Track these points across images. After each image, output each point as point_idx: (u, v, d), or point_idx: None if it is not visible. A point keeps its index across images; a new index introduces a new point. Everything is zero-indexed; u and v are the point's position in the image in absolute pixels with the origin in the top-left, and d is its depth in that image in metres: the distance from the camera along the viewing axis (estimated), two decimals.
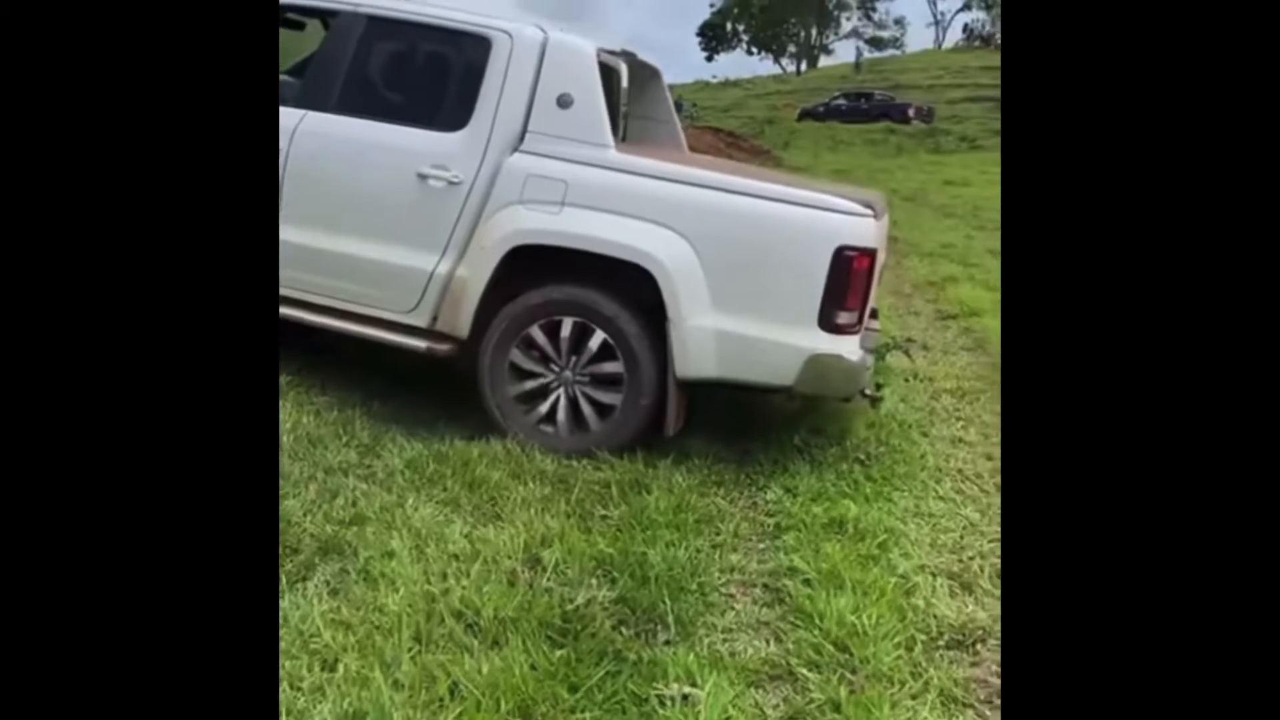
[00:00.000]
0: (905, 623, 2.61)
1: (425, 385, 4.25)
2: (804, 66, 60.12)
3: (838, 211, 3.51)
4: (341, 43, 4.00)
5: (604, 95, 3.81)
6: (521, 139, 3.73)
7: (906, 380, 5.12)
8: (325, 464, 3.26)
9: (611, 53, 4.19)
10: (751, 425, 4.12)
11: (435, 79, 4.02)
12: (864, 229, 3.49)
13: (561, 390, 3.74)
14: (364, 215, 3.84)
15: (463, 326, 3.75)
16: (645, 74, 4.70)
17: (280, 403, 3.64)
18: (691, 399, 3.77)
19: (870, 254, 3.50)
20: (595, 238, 3.57)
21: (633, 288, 3.59)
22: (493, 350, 3.74)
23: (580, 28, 4.08)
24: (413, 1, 4.05)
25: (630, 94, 4.52)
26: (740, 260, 3.52)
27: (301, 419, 3.57)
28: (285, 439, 3.35)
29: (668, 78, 5.03)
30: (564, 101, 3.72)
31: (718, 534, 3.12)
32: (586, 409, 3.71)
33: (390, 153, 3.81)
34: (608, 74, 4.01)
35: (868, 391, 3.95)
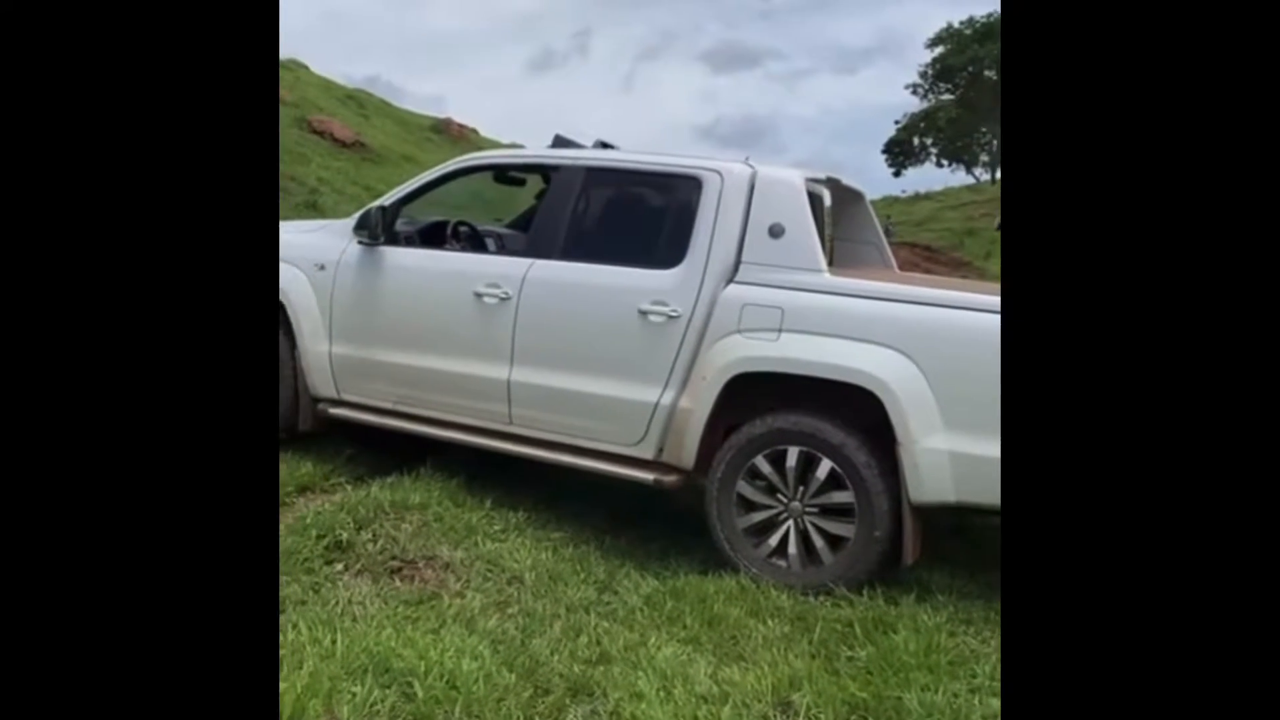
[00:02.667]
0: None
1: (651, 518, 4.29)
2: (998, 174, 58.95)
3: None
4: (563, 194, 4.26)
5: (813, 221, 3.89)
6: (736, 270, 3.84)
7: None
8: (567, 601, 3.32)
9: (815, 179, 4.28)
10: (994, 557, 3.91)
11: (650, 220, 4.23)
12: None
13: (791, 522, 3.68)
14: (590, 353, 4.01)
15: (687, 458, 3.81)
16: (849, 197, 4.78)
17: (519, 540, 3.76)
18: (926, 526, 3.62)
19: None
20: (814, 362, 3.60)
21: (856, 412, 3.57)
22: (719, 482, 3.76)
23: (757, 153, 4.24)
24: (618, 152, 4.39)
25: (835, 217, 4.63)
26: (970, 376, 3.40)
27: (540, 556, 3.66)
28: (527, 577, 3.44)
29: None
30: (775, 231, 3.83)
31: (974, 676, 2.93)
32: (818, 541, 3.63)
33: (612, 292, 3.98)
34: (813, 201, 4.08)
35: None
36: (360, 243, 4.41)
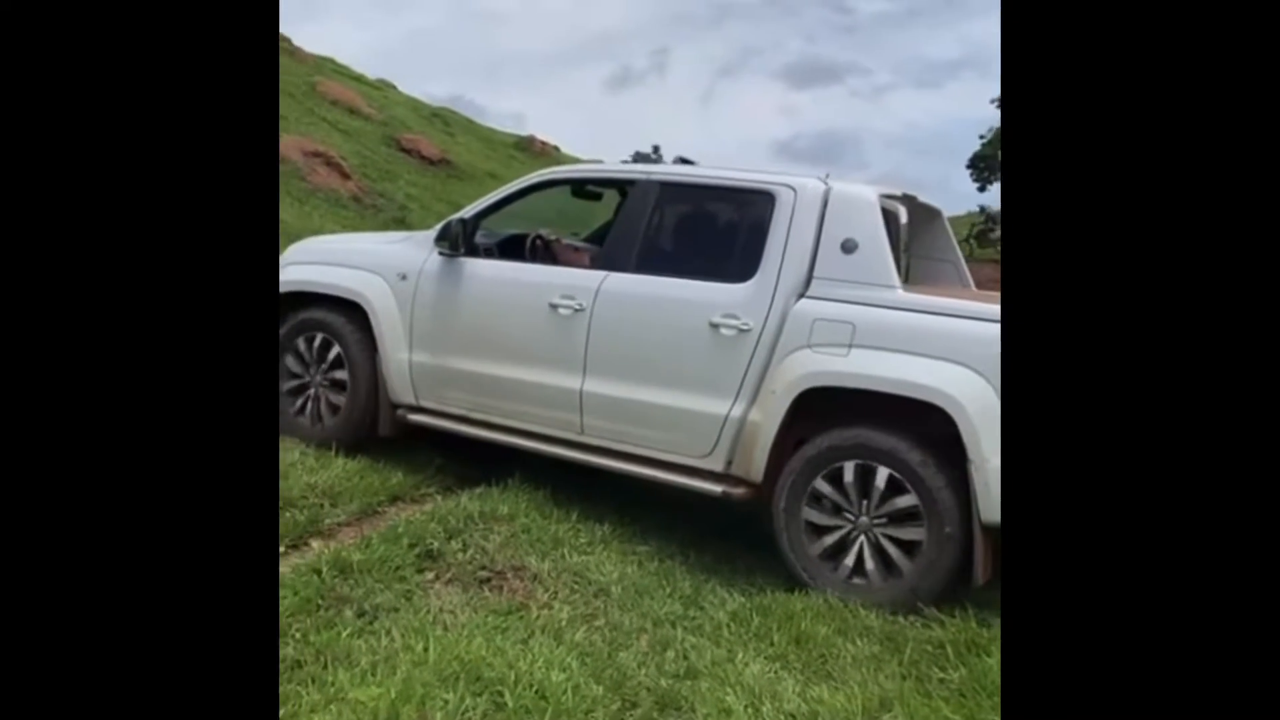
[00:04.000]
0: None
1: (737, 532, 4.27)
2: None
3: None
4: (638, 208, 4.30)
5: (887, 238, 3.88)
6: (807, 285, 3.85)
7: None
8: (653, 615, 3.32)
9: (891, 196, 4.25)
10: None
11: (723, 234, 4.27)
12: None
13: (863, 537, 3.66)
14: (661, 365, 4.04)
15: (756, 471, 3.81)
16: (926, 215, 4.75)
17: (605, 552, 3.77)
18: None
19: None
20: (885, 378, 3.59)
21: (924, 427, 3.56)
22: (785, 511, 3.77)
23: (838, 169, 4.30)
24: (693, 168, 4.44)
25: (913, 234, 4.55)
26: None
27: (626, 570, 3.67)
28: (614, 589, 3.46)
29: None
30: (848, 247, 3.83)
31: None
32: (893, 551, 3.61)
33: (684, 305, 4.01)
34: (888, 218, 4.06)
35: None
36: (441, 254, 4.49)
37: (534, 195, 4.66)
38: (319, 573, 3.15)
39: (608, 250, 4.38)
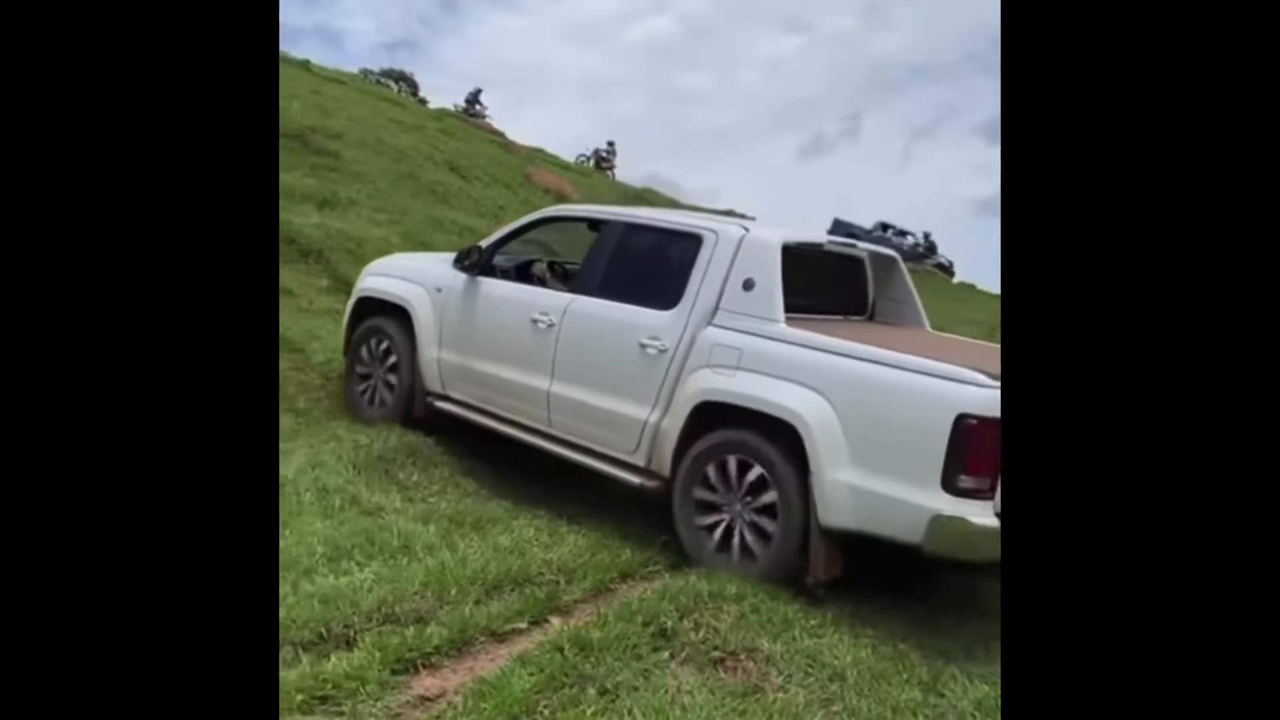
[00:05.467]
0: None
1: (970, 617, 4.11)
2: None
3: (960, 381, 3.84)
4: (605, 242, 5.22)
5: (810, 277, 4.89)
6: (714, 314, 4.59)
7: None
8: (892, 701, 3.24)
9: (839, 243, 5.32)
10: None
11: (661, 268, 4.95)
12: (986, 399, 3.72)
13: (733, 521, 4.37)
14: (605, 375, 4.86)
15: (666, 467, 4.61)
16: (887, 262, 5.64)
17: (835, 634, 3.72)
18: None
19: (992, 424, 3.68)
20: (756, 397, 4.30)
21: (786, 438, 4.18)
22: (680, 493, 4.53)
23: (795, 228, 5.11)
24: (645, 210, 5.38)
25: (877, 278, 5.57)
26: (873, 422, 4.01)
27: (860, 653, 3.59)
28: (849, 674, 3.39)
29: None
30: (748, 285, 4.54)
31: None
32: (750, 537, 4.30)
33: (623, 326, 4.82)
34: (851, 262, 5.36)
35: None
36: (463, 273, 5.58)
37: (547, 227, 5.89)
38: (561, 650, 3.27)
39: (579, 277, 5.33)
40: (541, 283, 5.65)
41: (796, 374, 4.20)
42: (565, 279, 5.68)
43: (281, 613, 3.19)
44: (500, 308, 5.41)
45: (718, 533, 4.38)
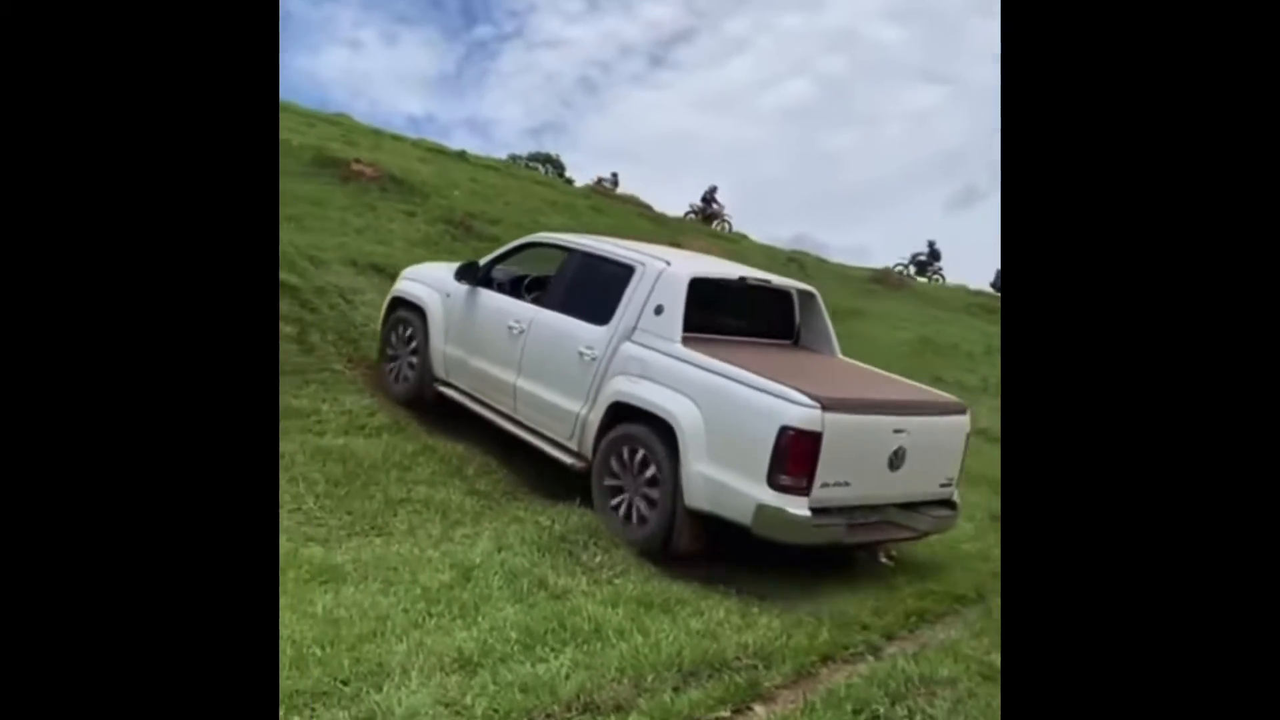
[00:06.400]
0: None
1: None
2: None
3: (787, 400, 4.72)
4: (568, 266, 6.27)
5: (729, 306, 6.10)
6: (632, 332, 5.56)
7: None
8: None
9: (752, 279, 6.16)
10: None
11: (602, 290, 5.83)
12: (807, 416, 4.66)
13: (631, 497, 5.32)
14: (554, 374, 5.88)
15: (589, 452, 5.60)
16: (807, 296, 6.49)
17: None
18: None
19: (807, 436, 4.63)
20: (649, 400, 5.26)
21: (668, 434, 5.11)
22: (595, 474, 5.51)
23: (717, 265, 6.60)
24: (599, 241, 6.41)
25: (802, 309, 6.47)
26: (725, 425, 4.93)
27: None
28: None
29: None
30: (659, 310, 5.52)
31: None
32: (644, 508, 5.23)
33: (569, 337, 5.84)
34: (780, 295, 6.40)
35: (883, 558, 5.53)
36: (464, 283, 6.65)
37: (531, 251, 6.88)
38: None
39: (545, 293, 6.34)
40: (520, 296, 6.57)
41: (679, 384, 5.17)
42: (535, 292, 6.63)
43: (483, 703, 3.16)
44: (488, 314, 6.48)
45: (622, 507, 5.34)
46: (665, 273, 5.63)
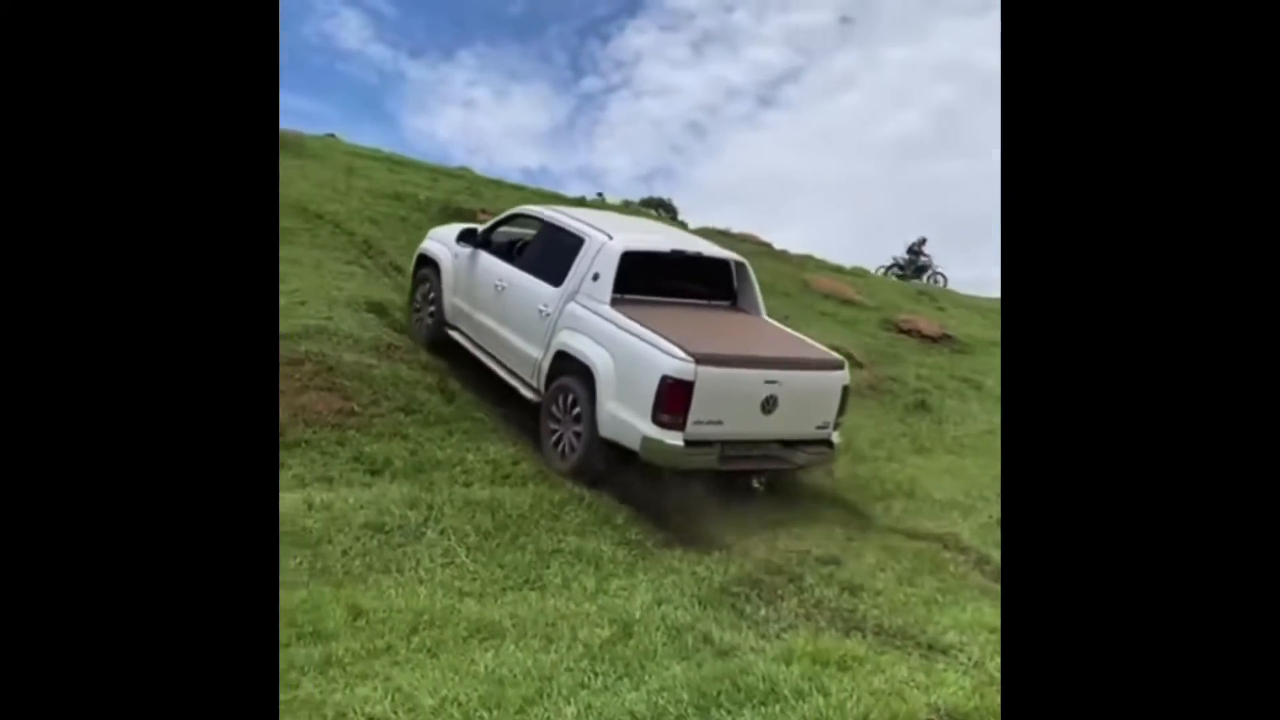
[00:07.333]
0: None
1: None
2: None
3: (668, 354, 5.91)
4: (541, 235, 7.47)
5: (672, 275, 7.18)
6: (576, 294, 6.70)
7: None
8: None
9: (683, 251, 7.27)
10: None
11: (561, 256, 6.97)
12: (682, 367, 5.86)
13: (564, 432, 6.56)
14: (522, 325, 7.08)
15: (542, 391, 6.80)
16: (739, 265, 7.60)
17: None
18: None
19: (681, 384, 5.84)
20: (579, 350, 6.44)
21: (589, 379, 6.30)
22: (544, 413, 6.74)
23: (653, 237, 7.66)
24: (564, 213, 7.61)
25: (739, 281, 7.60)
26: (628, 372, 6.10)
27: None
28: None
29: None
30: (595, 276, 6.65)
31: None
32: (573, 440, 6.46)
33: (533, 294, 7.02)
34: (719, 264, 7.55)
35: (755, 484, 6.41)
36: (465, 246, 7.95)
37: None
38: None
39: (523, 257, 7.45)
40: (513, 258, 7.61)
41: (601, 338, 6.33)
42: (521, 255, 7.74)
43: None
44: (481, 273, 7.70)
45: (559, 444, 6.55)
46: (605, 245, 6.77)
